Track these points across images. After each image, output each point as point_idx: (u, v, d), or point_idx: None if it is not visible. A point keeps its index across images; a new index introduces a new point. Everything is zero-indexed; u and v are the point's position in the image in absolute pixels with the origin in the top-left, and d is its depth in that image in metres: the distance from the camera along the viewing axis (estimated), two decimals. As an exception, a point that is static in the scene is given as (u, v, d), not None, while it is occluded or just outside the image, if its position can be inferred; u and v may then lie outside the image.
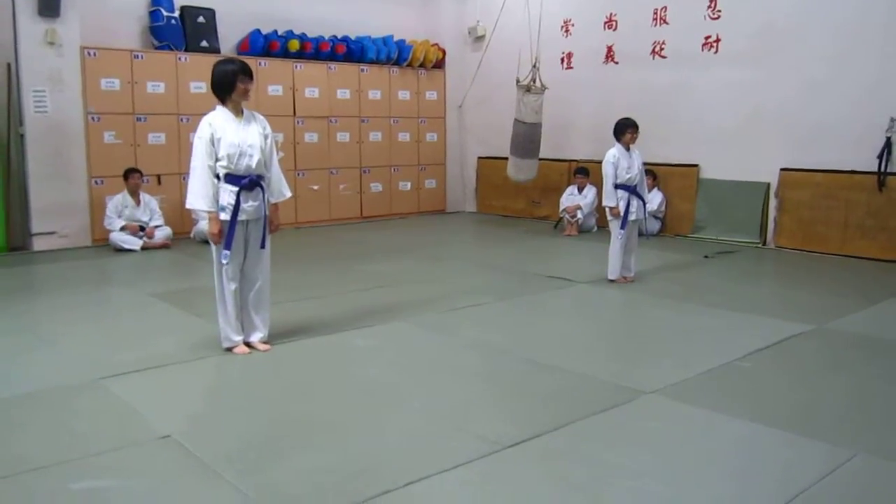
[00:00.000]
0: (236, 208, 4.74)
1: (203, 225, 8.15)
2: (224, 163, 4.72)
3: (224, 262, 4.79)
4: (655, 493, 3.12)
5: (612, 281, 7.10)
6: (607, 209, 7.09)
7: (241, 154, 4.73)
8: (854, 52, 8.45)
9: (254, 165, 4.77)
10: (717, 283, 7.26)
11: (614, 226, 7.09)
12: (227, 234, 4.76)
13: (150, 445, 3.55)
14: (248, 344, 5.00)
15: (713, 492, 3.16)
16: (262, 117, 4.96)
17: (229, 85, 4.74)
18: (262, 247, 4.92)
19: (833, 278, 7.58)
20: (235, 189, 4.74)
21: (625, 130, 7.06)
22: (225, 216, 4.75)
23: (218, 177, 4.74)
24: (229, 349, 4.94)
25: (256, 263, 4.95)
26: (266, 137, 4.88)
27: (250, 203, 4.81)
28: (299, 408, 4.08)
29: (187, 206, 4.86)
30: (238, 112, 4.82)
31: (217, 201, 4.74)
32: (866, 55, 8.36)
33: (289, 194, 5.10)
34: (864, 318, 5.99)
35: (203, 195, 4.71)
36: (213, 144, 4.71)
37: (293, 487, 3.15)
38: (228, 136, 4.71)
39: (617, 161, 7.00)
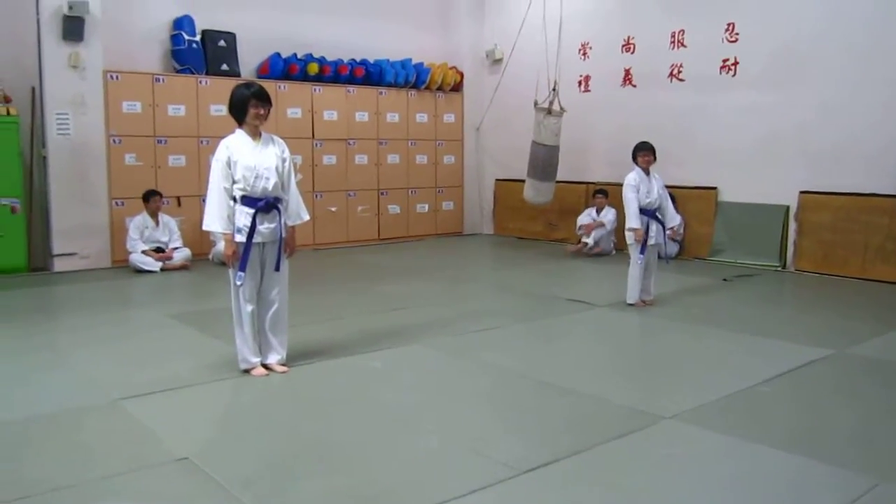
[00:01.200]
0: (252, 230, 4.78)
1: (221, 247, 8.20)
2: (240, 185, 4.76)
3: (238, 283, 4.82)
4: (674, 520, 3.08)
5: (630, 305, 7.06)
6: (630, 232, 7.02)
7: (258, 176, 4.77)
8: (871, 74, 8.42)
9: (270, 188, 4.81)
10: (737, 307, 7.20)
11: (633, 250, 7.05)
12: (241, 255, 4.79)
13: (168, 467, 3.54)
14: (265, 366, 5.01)
15: (733, 520, 3.12)
16: (280, 140, 5.00)
17: (243, 108, 4.80)
18: (277, 269, 4.94)
19: (853, 303, 7.50)
20: (252, 211, 4.78)
21: (637, 154, 7.09)
22: (241, 238, 4.78)
23: (235, 199, 4.79)
24: (247, 371, 4.95)
25: (273, 286, 4.97)
26: (284, 161, 4.92)
27: (266, 225, 4.85)
28: (317, 430, 4.07)
29: (204, 227, 4.91)
30: (255, 135, 4.87)
31: (233, 223, 4.78)
32: (883, 77, 8.33)
33: (307, 217, 5.12)
34: (885, 344, 5.91)
35: (219, 217, 4.76)
36: (229, 167, 4.76)
37: (308, 511, 3.14)
38: (244, 158, 4.76)
39: (637, 184, 6.98)
